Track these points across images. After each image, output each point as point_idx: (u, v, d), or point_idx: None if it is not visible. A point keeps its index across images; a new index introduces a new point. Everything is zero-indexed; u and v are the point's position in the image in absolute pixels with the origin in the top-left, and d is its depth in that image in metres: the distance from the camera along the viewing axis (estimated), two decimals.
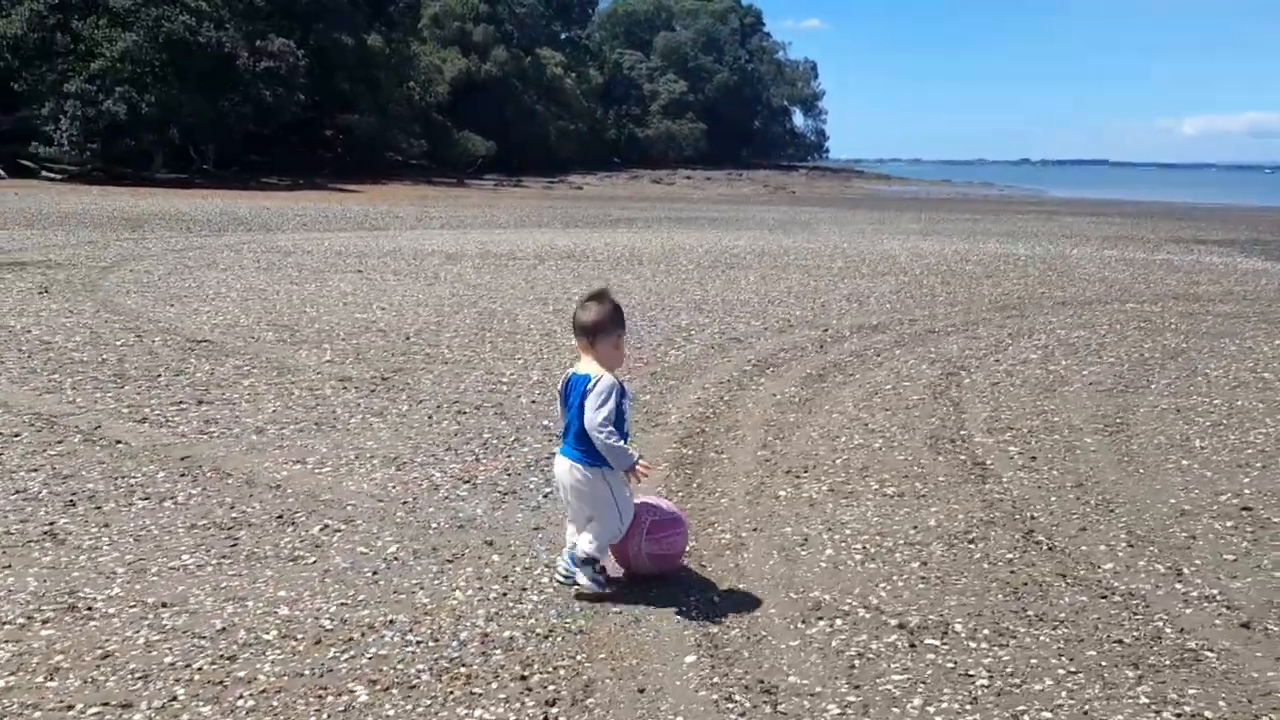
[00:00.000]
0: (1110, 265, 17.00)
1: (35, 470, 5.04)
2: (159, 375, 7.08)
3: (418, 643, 3.38)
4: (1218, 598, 3.90)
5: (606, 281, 9.20)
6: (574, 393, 3.79)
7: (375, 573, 3.95)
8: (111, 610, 3.58)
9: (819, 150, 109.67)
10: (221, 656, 3.26)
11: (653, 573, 3.94)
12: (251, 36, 38.67)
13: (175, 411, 6.19)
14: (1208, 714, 3.07)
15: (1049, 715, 3.04)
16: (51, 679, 3.11)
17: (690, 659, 3.33)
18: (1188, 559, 4.28)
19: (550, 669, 3.24)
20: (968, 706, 3.08)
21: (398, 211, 27.22)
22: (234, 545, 4.18)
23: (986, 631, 3.57)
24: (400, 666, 3.23)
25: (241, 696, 3.03)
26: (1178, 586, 4.00)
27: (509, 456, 5.52)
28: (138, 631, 3.42)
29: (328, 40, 43.49)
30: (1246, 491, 5.19)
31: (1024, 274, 15.22)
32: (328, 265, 14.07)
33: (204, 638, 3.38)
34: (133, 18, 35.79)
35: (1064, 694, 3.15)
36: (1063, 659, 3.38)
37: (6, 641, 3.33)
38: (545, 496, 4.86)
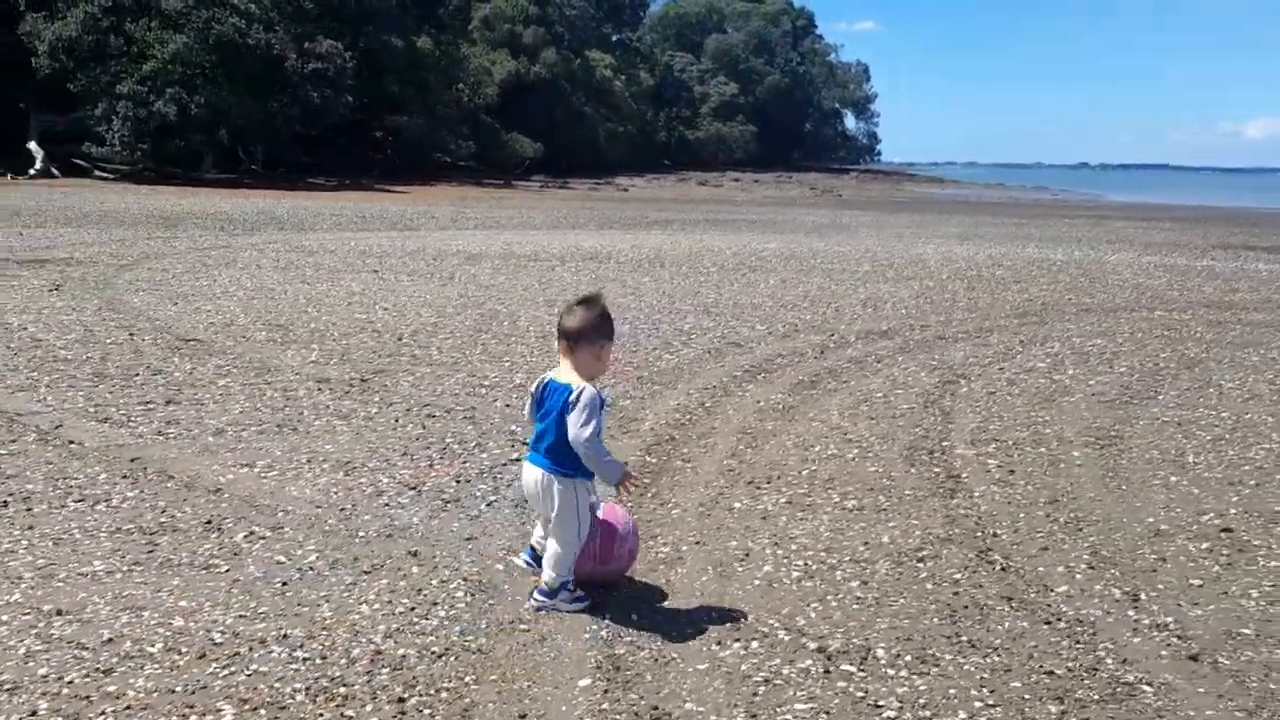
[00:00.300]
0: (1147, 271, 16.51)
1: None
2: (137, 374, 7.02)
3: (304, 660, 3.23)
4: (1170, 626, 3.64)
5: (604, 285, 9.02)
6: (551, 401, 3.62)
7: (285, 583, 3.81)
8: (5, 617, 3.47)
9: (871, 153, 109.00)
10: (97, 670, 3.14)
11: (618, 574, 3.86)
12: (300, 39, 39.05)
13: (141, 411, 6.11)
14: None
15: None
16: None
17: (584, 682, 3.16)
18: (1150, 583, 4.02)
19: (433, 691, 3.08)
20: None
21: (435, 212, 27.25)
22: (151, 551, 4.07)
23: (909, 658, 3.34)
24: (277, 685, 3.08)
25: (103, 714, 2.90)
26: (1130, 613, 3.74)
27: (464, 462, 5.37)
28: (22, 640, 3.31)
29: (377, 43, 43.86)
30: (1232, 511, 4.89)
31: (1054, 280, 14.81)
32: (346, 265, 14.05)
33: (87, 649, 3.26)
34: (184, 20, 36.27)
35: None
36: (984, 690, 3.15)
37: None
38: (489, 505, 4.71)
